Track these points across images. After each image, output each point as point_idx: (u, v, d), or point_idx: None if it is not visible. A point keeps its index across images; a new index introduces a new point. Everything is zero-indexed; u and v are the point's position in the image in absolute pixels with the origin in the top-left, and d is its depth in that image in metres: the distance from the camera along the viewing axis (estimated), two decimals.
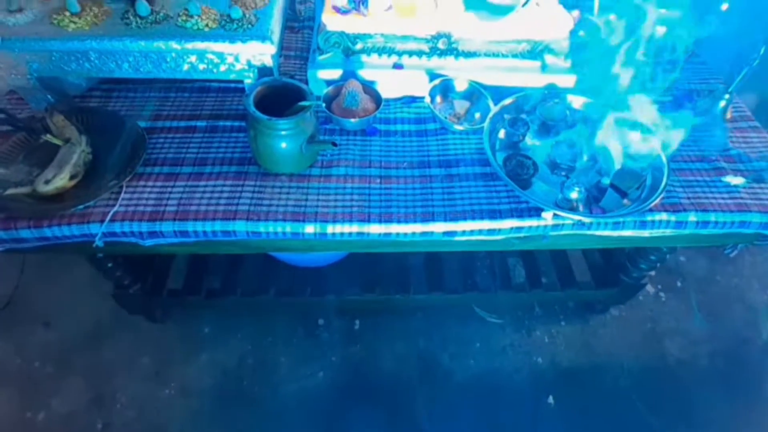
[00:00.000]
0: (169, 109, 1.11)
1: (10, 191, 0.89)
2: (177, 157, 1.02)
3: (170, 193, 0.96)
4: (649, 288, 1.73)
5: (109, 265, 1.26)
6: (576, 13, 1.35)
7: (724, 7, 1.21)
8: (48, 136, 0.92)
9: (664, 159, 1.02)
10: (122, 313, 1.48)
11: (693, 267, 1.82)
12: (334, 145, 0.92)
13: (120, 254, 1.25)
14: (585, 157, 1.05)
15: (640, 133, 1.05)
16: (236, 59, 0.96)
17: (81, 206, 0.90)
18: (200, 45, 0.91)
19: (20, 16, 0.88)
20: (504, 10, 1.04)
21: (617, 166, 1.02)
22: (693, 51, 1.37)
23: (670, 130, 1.09)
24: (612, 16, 1.42)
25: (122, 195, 0.94)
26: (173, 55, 0.92)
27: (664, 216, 0.99)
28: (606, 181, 1.01)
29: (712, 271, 1.81)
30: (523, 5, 1.05)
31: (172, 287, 1.47)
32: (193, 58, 0.94)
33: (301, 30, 1.33)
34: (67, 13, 0.89)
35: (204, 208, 0.94)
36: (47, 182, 0.90)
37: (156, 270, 1.46)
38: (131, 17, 0.90)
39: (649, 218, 0.99)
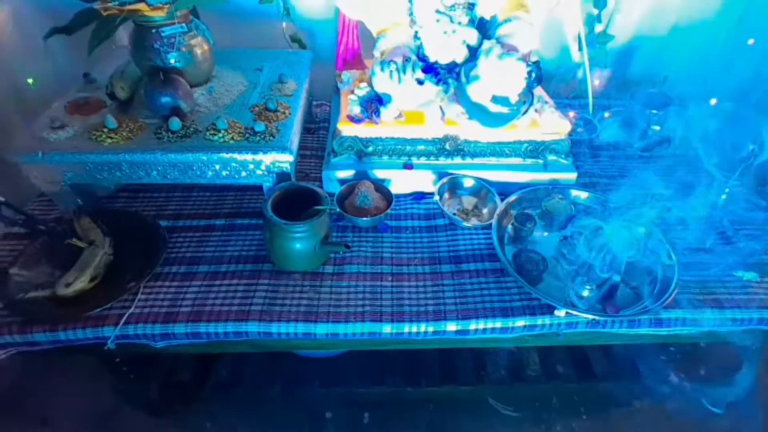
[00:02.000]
0: (190, 208, 1.16)
1: (31, 294, 0.91)
2: (195, 255, 1.05)
3: (185, 293, 0.98)
4: (673, 378, 1.65)
5: (117, 360, 1.24)
6: (572, 113, 1.45)
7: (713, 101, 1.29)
8: (74, 240, 0.96)
9: (672, 254, 1.04)
10: (125, 407, 1.43)
11: (718, 353, 1.75)
12: (347, 247, 0.94)
13: (129, 354, 1.24)
14: (593, 252, 1.07)
15: (644, 227, 1.08)
16: (257, 167, 1.02)
17: (98, 309, 0.91)
18: (225, 156, 0.98)
19: (62, 132, 0.97)
20: (505, 119, 1.11)
21: (626, 260, 1.03)
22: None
23: (674, 223, 1.12)
24: (607, 114, 1.52)
25: (138, 296, 0.96)
26: (199, 164, 0.99)
27: (679, 313, 0.98)
28: (617, 278, 1.01)
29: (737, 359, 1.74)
30: (523, 114, 1.13)
31: (178, 379, 1.43)
32: (217, 167, 1.00)
33: (316, 131, 1.43)
34: (105, 129, 0.97)
35: (218, 308, 0.95)
36: (68, 285, 0.92)
37: (161, 364, 1.43)
38: (164, 132, 0.98)
39: (665, 316, 0.98)
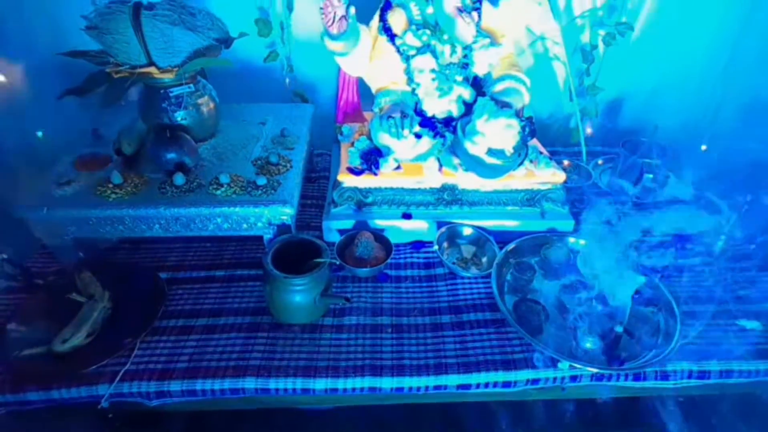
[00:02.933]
0: (191, 259, 1.17)
1: (26, 352, 0.90)
2: (194, 308, 1.05)
3: (183, 347, 0.96)
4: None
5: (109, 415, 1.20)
6: (566, 162, 1.49)
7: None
8: (73, 294, 0.96)
9: (674, 303, 1.03)
10: None
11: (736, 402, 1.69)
12: (347, 300, 0.94)
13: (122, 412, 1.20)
14: (593, 302, 1.07)
15: (643, 276, 1.08)
16: (258, 219, 1.04)
17: (93, 366, 0.90)
18: (227, 210, 1.00)
19: (67, 188, 0.99)
20: (501, 170, 1.14)
21: (627, 310, 1.02)
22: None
23: (672, 272, 1.12)
24: (600, 161, 1.56)
25: (135, 351, 0.95)
26: (202, 218, 1.01)
27: (685, 366, 0.97)
28: (619, 329, 1.00)
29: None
30: (519, 165, 1.16)
31: None
32: (219, 220, 1.02)
33: (317, 180, 1.46)
34: (110, 185, 0.99)
35: (215, 364, 0.94)
36: (64, 342, 0.91)
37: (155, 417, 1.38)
38: (167, 187, 1.01)
39: (670, 368, 0.96)
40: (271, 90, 1.54)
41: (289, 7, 1.41)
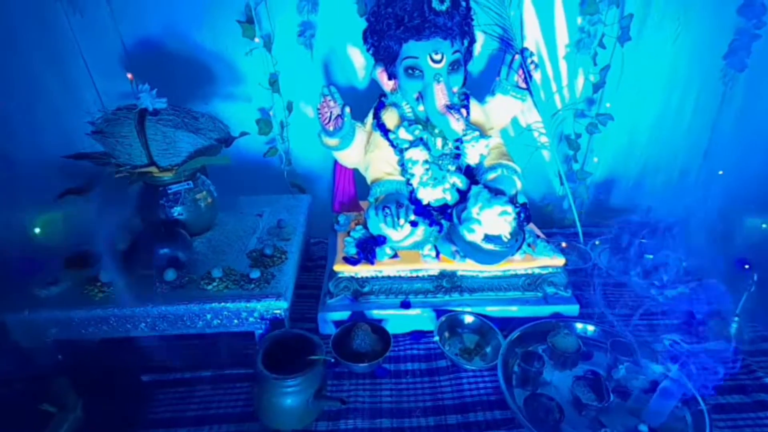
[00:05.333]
0: (177, 358, 1.10)
1: None
2: (174, 416, 0.96)
3: None
4: None
5: None
6: (564, 244, 1.48)
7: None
8: (45, 405, 0.88)
9: (698, 397, 0.95)
10: None
11: None
12: (343, 403, 0.87)
13: None
14: (611, 395, 0.98)
15: (661, 365, 1.01)
16: (250, 314, 1.00)
17: None
18: (217, 305, 0.96)
19: (53, 287, 0.96)
20: (498, 256, 1.13)
21: (649, 403, 0.94)
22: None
23: (691, 359, 1.05)
24: (597, 242, 1.55)
25: None
26: (190, 314, 0.97)
27: None
28: (644, 428, 0.91)
29: None
30: (517, 250, 1.15)
31: None
32: (208, 316, 0.98)
33: (314, 269, 1.44)
34: (98, 283, 0.97)
35: None
36: None
37: None
38: (158, 283, 0.98)
39: None
40: (270, 182, 1.59)
41: (289, 108, 1.51)
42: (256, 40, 1.37)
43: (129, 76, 1.33)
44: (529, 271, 1.20)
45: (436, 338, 1.11)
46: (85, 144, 1.15)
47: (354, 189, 1.43)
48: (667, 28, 1.49)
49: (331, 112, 1.13)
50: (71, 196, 1.10)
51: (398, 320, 1.17)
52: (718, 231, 1.33)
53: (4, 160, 1.24)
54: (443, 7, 1.07)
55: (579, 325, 1.15)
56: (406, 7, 1.07)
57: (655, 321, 1.24)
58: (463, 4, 1.13)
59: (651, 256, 1.30)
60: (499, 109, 1.31)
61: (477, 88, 1.32)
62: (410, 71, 1.14)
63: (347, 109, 1.12)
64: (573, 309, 1.20)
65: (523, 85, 1.27)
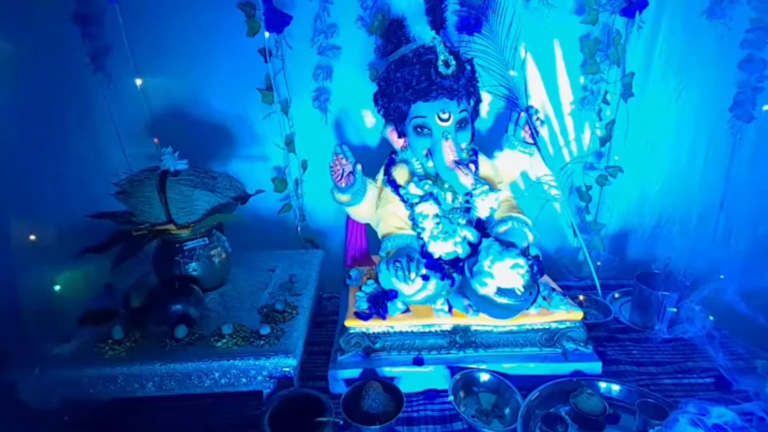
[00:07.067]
0: (181, 421, 1.06)
1: None
2: None
3: None
4: None
5: None
6: (582, 297, 1.44)
7: None
8: None
9: None
10: None
11: None
12: None
13: None
14: None
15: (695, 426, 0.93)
16: (259, 372, 0.98)
17: None
18: (226, 363, 0.95)
19: (66, 345, 0.97)
20: (512, 310, 1.10)
21: None
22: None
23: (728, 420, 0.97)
24: (616, 295, 1.51)
25: None
26: (198, 373, 0.95)
27: None
28: None
29: None
30: (532, 304, 1.12)
31: None
32: (216, 374, 0.96)
33: (325, 324, 1.41)
34: (110, 341, 0.97)
35: None
36: None
37: None
38: (167, 340, 0.98)
39: None
40: (283, 237, 1.61)
41: (303, 167, 1.57)
42: (274, 105, 1.46)
43: (155, 140, 1.42)
44: (546, 326, 1.16)
45: (451, 398, 1.05)
46: (109, 203, 1.21)
47: (366, 244, 1.44)
48: (670, 84, 1.53)
49: (343, 170, 1.17)
50: (90, 254, 1.13)
51: (411, 378, 1.13)
52: (744, 285, 1.28)
53: (29, 217, 1.29)
54: (449, 71, 1.13)
55: (603, 384, 1.09)
56: (414, 72, 1.14)
57: (685, 380, 1.17)
58: (468, 67, 1.20)
59: (675, 309, 1.25)
60: (508, 164, 1.34)
61: (485, 144, 1.36)
62: (419, 129, 1.19)
63: (359, 167, 1.16)
64: (595, 366, 1.14)
65: (530, 141, 1.30)
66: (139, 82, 1.42)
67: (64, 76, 1.37)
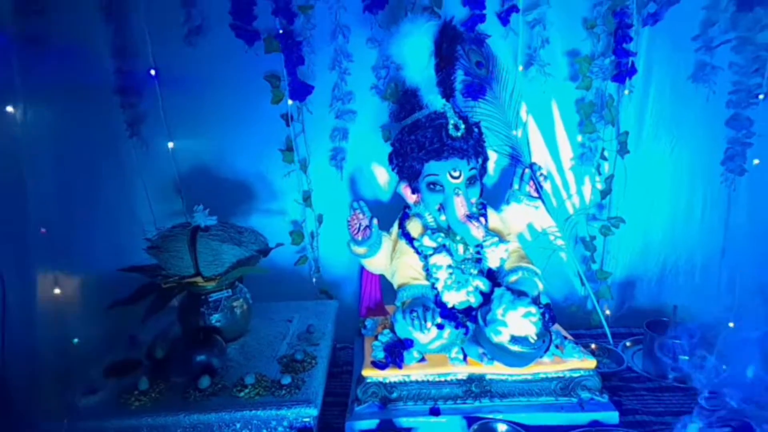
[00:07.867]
0: None
1: None
2: None
3: None
4: None
5: None
6: (594, 345, 1.46)
7: None
8: None
9: None
10: None
11: None
12: None
13: None
14: None
15: None
16: (280, 423, 0.99)
17: None
18: (248, 413, 0.97)
19: (92, 396, 0.99)
20: (526, 358, 1.12)
21: None
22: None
23: None
24: (628, 344, 1.51)
25: None
26: (220, 424, 0.97)
27: None
28: None
29: None
30: (545, 351, 1.15)
31: None
32: (238, 425, 0.98)
33: (339, 375, 1.42)
34: (135, 392, 1.00)
35: None
36: None
37: None
38: (191, 391, 1.00)
39: None
40: (299, 288, 1.66)
41: (319, 221, 1.65)
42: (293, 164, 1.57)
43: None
44: (560, 374, 1.17)
45: None
46: (135, 257, 1.27)
47: (380, 294, 1.48)
48: (663, 141, 1.63)
49: (360, 224, 1.24)
50: (119, 307, 1.18)
51: (428, 428, 1.13)
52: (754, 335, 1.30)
53: (60, 271, 1.35)
54: (458, 134, 1.24)
55: None
56: (426, 134, 1.24)
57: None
58: (476, 130, 1.31)
59: (686, 357, 1.26)
60: (515, 217, 1.41)
61: (492, 198, 1.44)
62: (432, 186, 1.28)
63: (375, 221, 1.23)
64: (612, 416, 1.14)
65: (535, 195, 1.38)
66: (171, 145, 1.54)
67: (101, 139, 1.49)
